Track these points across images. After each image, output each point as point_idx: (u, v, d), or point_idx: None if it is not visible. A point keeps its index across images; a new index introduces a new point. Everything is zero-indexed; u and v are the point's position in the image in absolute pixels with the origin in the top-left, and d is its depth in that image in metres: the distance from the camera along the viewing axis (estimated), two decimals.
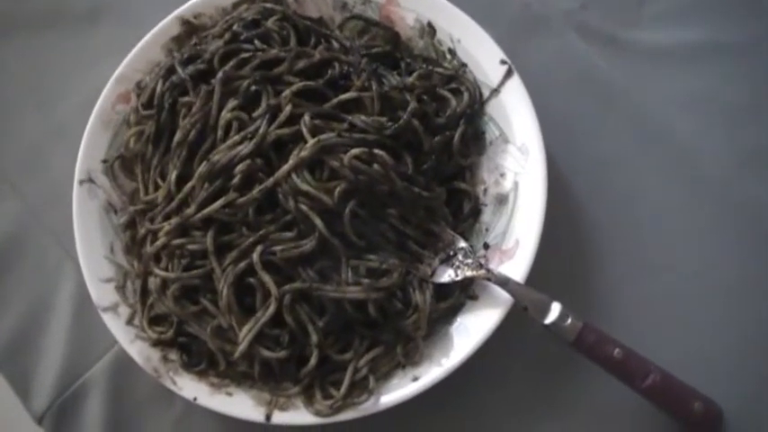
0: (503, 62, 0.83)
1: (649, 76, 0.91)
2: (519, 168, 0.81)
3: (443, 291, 0.80)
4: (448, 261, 0.80)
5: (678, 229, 0.87)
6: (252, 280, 0.77)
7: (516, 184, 0.82)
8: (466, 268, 0.79)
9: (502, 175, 0.83)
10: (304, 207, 0.76)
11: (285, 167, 0.76)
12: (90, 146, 0.86)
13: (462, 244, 0.80)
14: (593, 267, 0.86)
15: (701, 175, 0.88)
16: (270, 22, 0.84)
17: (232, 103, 0.79)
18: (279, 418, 0.77)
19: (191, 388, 0.79)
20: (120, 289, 0.83)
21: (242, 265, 0.76)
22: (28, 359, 0.88)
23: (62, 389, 0.87)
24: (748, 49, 0.91)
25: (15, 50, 1.01)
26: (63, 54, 1.00)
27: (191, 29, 0.89)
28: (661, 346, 0.78)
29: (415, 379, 0.77)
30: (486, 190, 0.84)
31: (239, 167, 0.77)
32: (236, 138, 0.78)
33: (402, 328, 0.78)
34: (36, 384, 0.87)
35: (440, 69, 0.86)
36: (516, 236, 0.80)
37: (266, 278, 0.76)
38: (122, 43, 0.89)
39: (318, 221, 0.76)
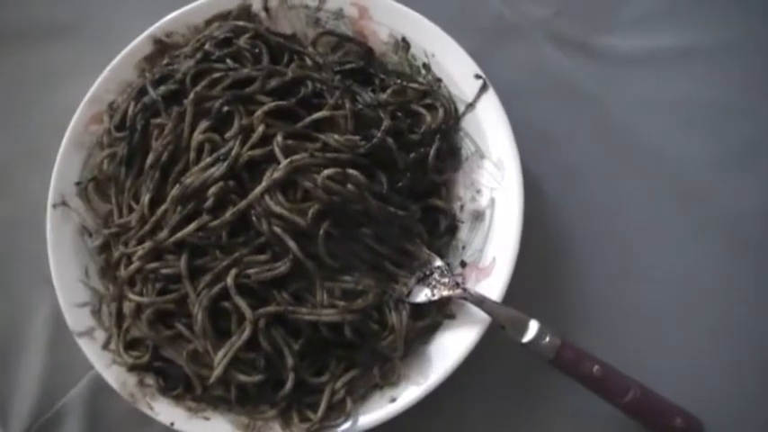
0: (477, 77, 0.83)
1: (624, 83, 0.91)
2: (495, 184, 0.81)
3: (420, 310, 0.79)
4: (424, 280, 0.79)
5: (657, 238, 0.86)
6: (226, 304, 0.76)
7: (493, 200, 0.81)
8: (442, 287, 0.78)
9: (478, 191, 0.82)
10: (278, 229, 0.75)
11: (258, 189, 0.75)
12: (63, 169, 0.85)
13: (438, 263, 0.79)
14: (572, 281, 0.86)
15: (678, 181, 0.88)
16: (242, 41, 0.83)
17: (204, 124, 0.79)
18: None
19: (168, 413, 0.78)
20: (96, 313, 0.82)
21: (216, 288, 0.76)
22: (4, 384, 0.87)
23: (39, 414, 0.86)
24: (723, 53, 0.91)
25: None
26: (32, 71, 0.98)
27: (163, 48, 0.87)
28: (641, 359, 0.78)
29: (393, 400, 0.77)
30: (462, 206, 0.83)
31: (212, 190, 0.76)
32: (209, 160, 0.77)
33: (379, 348, 0.77)
34: (13, 409, 0.86)
35: (414, 85, 0.85)
36: (493, 253, 0.79)
37: (240, 302, 0.75)
38: (94, 61, 0.88)
39: (292, 243, 0.75)
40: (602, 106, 0.90)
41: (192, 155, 0.78)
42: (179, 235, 0.76)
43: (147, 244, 0.78)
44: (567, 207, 0.88)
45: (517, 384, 0.83)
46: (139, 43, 0.87)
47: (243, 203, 0.76)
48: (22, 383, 0.87)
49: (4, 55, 0.99)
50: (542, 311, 0.76)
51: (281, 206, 0.75)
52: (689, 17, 0.92)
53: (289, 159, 0.75)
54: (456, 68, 0.84)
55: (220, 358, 0.75)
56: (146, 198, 0.79)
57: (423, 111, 0.84)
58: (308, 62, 0.84)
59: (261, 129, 0.78)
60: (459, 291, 0.77)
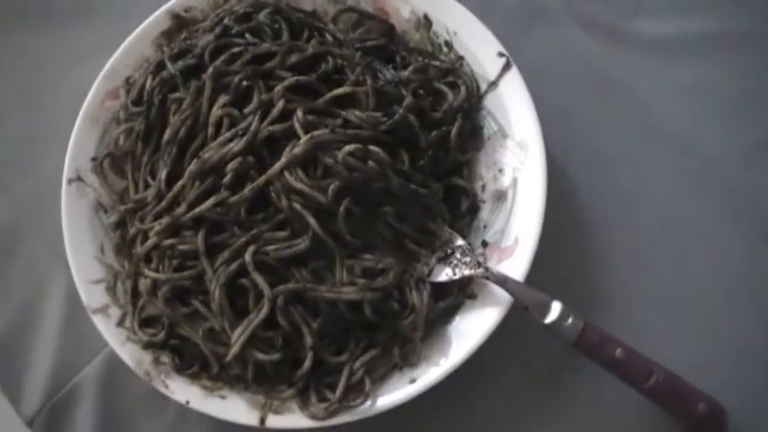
0: (500, 54, 0.82)
1: (652, 68, 0.90)
2: (518, 164, 0.80)
3: (441, 290, 0.78)
4: (445, 259, 0.78)
5: (682, 223, 0.85)
6: (244, 281, 0.75)
7: (515, 180, 0.80)
8: (464, 267, 0.77)
9: (500, 170, 0.81)
10: (297, 206, 0.74)
11: (277, 165, 0.74)
12: (79, 144, 0.84)
13: (460, 242, 0.78)
14: (595, 264, 0.84)
15: (703, 167, 0.86)
16: (261, 16, 0.82)
17: (223, 99, 0.78)
18: (273, 421, 0.75)
19: (183, 391, 0.77)
20: (111, 290, 0.81)
21: (234, 265, 0.75)
22: (18, 361, 0.87)
23: (53, 392, 0.85)
24: (750, 39, 0.90)
25: (1, 46, 0.99)
26: (51, 49, 0.98)
27: (181, 23, 0.87)
28: (664, 344, 0.76)
29: (413, 381, 0.75)
30: (484, 186, 0.82)
31: (231, 165, 0.75)
32: (228, 135, 0.76)
33: (399, 328, 0.76)
34: (26, 387, 0.86)
35: (436, 63, 0.84)
36: (515, 233, 0.78)
37: (259, 279, 0.74)
38: (111, 39, 0.87)
39: (312, 220, 0.74)
40: (628, 91, 0.89)
41: (211, 130, 0.77)
42: (197, 210, 0.75)
43: (164, 220, 0.77)
44: (591, 190, 0.86)
45: (539, 367, 0.81)
46: (157, 18, 0.87)
47: (262, 179, 0.74)
48: (37, 361, 0.87)
49: (21, 34, 0.99)
50: (564, 294, 0.75)
51: (301, 182, 0.74)
52: (718, 4, 0.91)
53: (309, 135, 0.74)
54: (478, 46, 0.83)
55: (238, 336, 0.74)
56: (163, 173, 0.78)
57: (445, 89, 0.82)
58: (329, 38, 0.83)
59: (281, 104, 0.77)
60: (480, 270, 0.76)
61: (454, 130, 0.81)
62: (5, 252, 0.91)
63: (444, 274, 0.78)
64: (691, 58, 0.90)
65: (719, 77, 0.89)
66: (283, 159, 0.74)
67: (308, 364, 0.75)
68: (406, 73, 0.82)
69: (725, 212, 0.85)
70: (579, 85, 0.90)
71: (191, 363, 0.78)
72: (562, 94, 0.89)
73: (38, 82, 0.97)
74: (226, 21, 0.82)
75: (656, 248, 0.84)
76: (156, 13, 0.86)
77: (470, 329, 0.76)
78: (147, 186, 0.81)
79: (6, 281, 0.90)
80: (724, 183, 0.86)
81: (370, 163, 0.75)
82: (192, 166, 0.76)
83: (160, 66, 0.82)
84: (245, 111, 0.77)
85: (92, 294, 0.80)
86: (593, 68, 0.91)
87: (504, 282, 0.75)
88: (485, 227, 0.81)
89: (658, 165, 0.87)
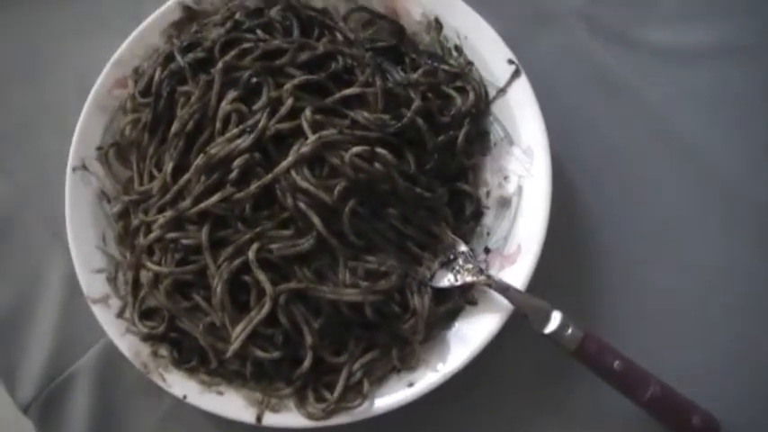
0: (510, 62, 0.82)
1: (659, 75, 0.90)
2: (523, 172, 0.80)
3: (442, 294, 0.78)
4: (448, 265, 0.78)
5: (686, 235, 0.85)
6: (247, 278, 0.75)
7: (520, 188, 0.80)
8: (466, 273, 0.77)
9: (505, 177, 0.81)
10: (302, 205, 0.74)
11: (284, 163, 0.74)
12: (85, 132, 0.84)
13: (463, 248, 0.78)
14: (597, 274, 0.84)
15: (710, 175, 0.86)
16: (273, 12, 0.83)
17: (232, 94, 0.77)
18: (270, 419, 0.75)
19: (180, 385, 0.77)
20: (112, 280, 0.81)
21: (237, 262, 0.75)
22: (15, 347, 0.87)
23: (49, 379, 0.85)
24: (758, 50, 0.90)
25: (5, 20, 0.99)
26: (57, 26, 0.98)
27: (191, 15, 0.87)
28: (664, 354, 0.77)
29: (411, 384, 0.76)
30: (488, 192, 0.82)
31: (237, 162, 0.75)
32: (235, 131, 0.76)
33: (399, 331, 0.76)
34: (23, 374, 0.86)
35: (445, 66, 0.84)
36: (518, 241, 0.78)
37: (261, 277, 0.74)
38: (119, 19, 0.89)
39: (317, 220, 0.74)
40: (635, 97, 0.89)
41: (219, 125, 0.77)
42: (202, 205, 0.75)
43: (169, 213, 0.77)
44: (596, 197, 0.86)
45: (537, 375, 0.82)
46: (168, 9, 0.86)
47: (268, 177, 0.74)
48: (34, 348, 0.86)
49: (27, 8, 0.98)
50: (567, 301, 0.75)
51: (307, 181, 0.74)
52: (727, 14, 0.91)
53: (317, 135, 0.74)
54: (488, 52, 0.83)
55: (238, 333, 0.74)
56: (169, 166, 0.78)
57: (453, 93, 0.82)
58: (339, 37, 0.83)
59: (290, 102, 0.76)
60: (482, 277, 0.76)
61: (461, 135, 0.81)
62: (4, 235, 0.91)
63: (446, 280, 0.78)
64: (699, 66, 0.90)
65: (726, 86, 0.89)
66: (290, 158, 0.74)
67: (307, 363, 0.75)
68: (415, 75, 0.82)
69: (729, 218, 0.85)
70: (587, 89, 0.90)
71: (189, 357, 0.78)
72: (570, 99, 0.89)
73: (42, 61, 0.96)
74: (237, 15, 0.83)
75: (658, 258, 0.84)
76: (167, 4, 0.86)
77: (470, 335, 0.76)
78: (151, 178, 0.81)
79: (4, 264, 0.90)
80: (728, 188, 0.86)
81: (377, 165, 0.75)
82: (199, 161, 0.76)
83: (169, 57, 0.82)
84: (254, 107, 0.77)
85: (92, 284, 0.80)
86: (601, 73, 0.91)
87: (505, 290, 0.75)
88: (488, 233, 0.81)
89: (664, 173, 0.87)
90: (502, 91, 0.82)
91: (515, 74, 0.81)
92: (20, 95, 0.95)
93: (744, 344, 0.81)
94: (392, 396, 0.76)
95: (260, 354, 0.75)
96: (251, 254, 0.74)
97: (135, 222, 0.80)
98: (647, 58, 0.91)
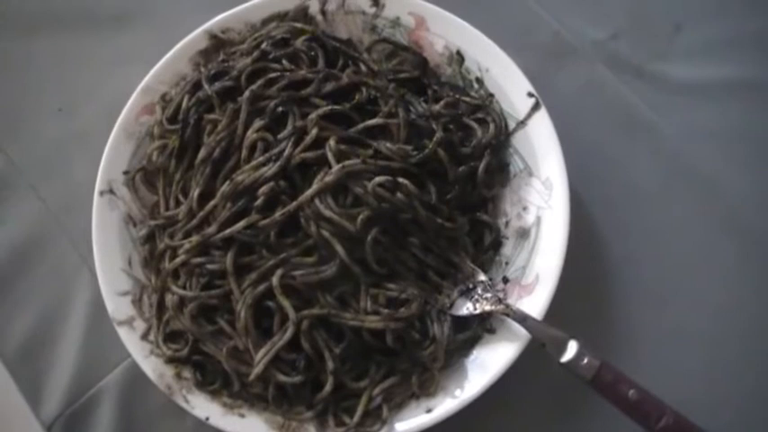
0: (530, 95, 0.83)
1: (679, 110, 0.92)
2: (542, 203, 0.81)
3: (461, 322, 0.80)
4: (467, 294, 0.80)
5: (702, 267, 0.87)
6: (270, 303, 0.76)
7: (539, 219, 0.81)
8: (485, 302, 0.79)
9: (525, 208, 0.83)
10: (326, 233, 0.76)
11: (309, 192, 0.76)
12: (112, 157, 0.85)
13: (482, 277, 0.80)
14: (614, 303, 0.86)
15: (728, 212, 0.88)
16: (299, 42, 0.84)
17: (258, 123, 0.79)
18: None
19: (203, 407, 0.78)
20: (137, 303, 0.82)
21: (261, 287, 0.76)
22: (40, 365, 0.88)
23: (73, 398, 0.86)
24: None
25: (41, 50, 1.01)
26: (89, 57, 1.00)
27: (218, 43, 0.88)
28: (679, 385, 0.78)
29: (429, 410, 0.77)
30: (507, 223, 0.84)
31: (263, 189, 0.77)
32: (261, 159, 0.78)
33: (419, 358, 0.78)
34: (47, 393, 0.86)
35: (467, 98, 0.86)
36: (536, 271, 0.80)
37: (285, 303, 0.75)
38: (149, 50, 0.89)
39: (340, 248, 0.75)
40: (655, 132, 0.91)
41: (245, 153, 0.79)
42: (227, 231, 0.77)
43: (195, 238, 0.78)
44: (615, 229, 0.88)
45: (554, 402, 0.83)
46: (195, 37, 0.88)
47: (293, 205, 0.76)
48: (58, 367, 0.87)
49: (61, 39, 1.01)
50: (582, 330, 0.76)
51: (330, 210, 0.76)
52: (746, 51, 0.93)
53: (341, 165, 0.76)
54: (509, 85, 0.85)
55: (261, 356, 0.76)
56: (195, 192, 0.80)
57: (474, 125, 0.84)
58: (363, 68, 0.85)
59: (314, 131, 0.78)
60: (501, 306, 0.78)
61: (482, 166, 0.82)
62: (35, 254, 0.92)
63: (465, 308, 0.79)
64: (717, 102, 0.91)
65: (744, 122, 0.91)
66: (315, 187, 0.76)
67: (328, 388, 0.76)
68: (437, 107, 0.84)
69: (747, 255, 0.86)
70: (606, 123, 0.92)
71: (212, 379, 0.80)
72: (589, 132, 0.91)
73: (73, 88, 0.98)
74: (263, 45, 0.84)
75: (674, 290, 0.86)
76: (194, 33, 0.88)
77: (488, 363, 0.77)
78: (177, 203, 0.83)
79: (34, 283, 0.91)
80: (745, 227, 0.87)
81: (399, 195, 0.77)
82: (225, 188, 0.77)
83: (197, 85, 0.84)
84: (279, 136, 0.79)
85: (118, 306, 0.82)
86: (620, 108, 0.92)
87: (523, 320, 0.76)
88: (506, 263, 0.82)
89: (681, 207, 0.88)
90: (522, 123, 0.84)
91: (535, 107, 0.83)
92: (52, 123, 0.97)
93: (763, 380, 0.82)
94: (411, 421, 0.77)
95: (282, 378, 0.76)
96: (275, 280, 0.76)
97: (161, 246, 0.82)
98: (666, 94, 0.92)
